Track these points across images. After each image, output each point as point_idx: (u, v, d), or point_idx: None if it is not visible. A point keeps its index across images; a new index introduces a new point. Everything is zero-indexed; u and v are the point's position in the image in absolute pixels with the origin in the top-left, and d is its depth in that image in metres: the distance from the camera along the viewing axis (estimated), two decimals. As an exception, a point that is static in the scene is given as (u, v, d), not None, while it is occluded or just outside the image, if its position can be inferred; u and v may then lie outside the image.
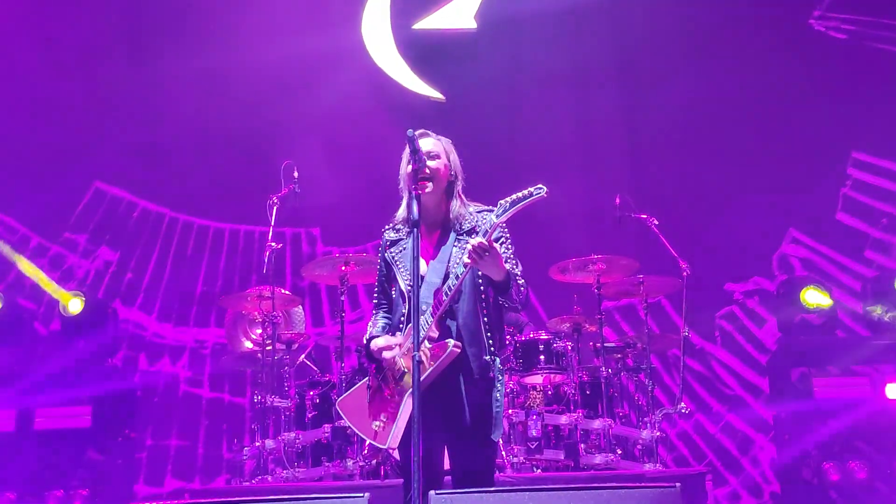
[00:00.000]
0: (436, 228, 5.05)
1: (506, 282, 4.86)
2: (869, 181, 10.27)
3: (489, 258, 4.73)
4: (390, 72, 10.85)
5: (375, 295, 5.30)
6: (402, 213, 5.21)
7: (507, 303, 4.98)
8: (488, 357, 4.94)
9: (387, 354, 4.98)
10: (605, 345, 8.36)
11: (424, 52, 10.85)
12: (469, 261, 4.74)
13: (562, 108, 10.58)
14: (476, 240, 4.73)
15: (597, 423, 7.97)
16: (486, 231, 4.78)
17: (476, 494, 4.51)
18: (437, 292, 4.89)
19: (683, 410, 8.30)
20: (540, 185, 4.73)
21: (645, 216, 8.58)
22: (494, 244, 4.79)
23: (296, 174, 8.31)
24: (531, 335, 8.42)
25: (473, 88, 10.61)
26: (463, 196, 5.17)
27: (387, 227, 5.28)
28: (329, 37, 10.59)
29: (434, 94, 10.76)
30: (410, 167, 4.92)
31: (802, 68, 10.41)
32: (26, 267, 10.03)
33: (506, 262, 4.89)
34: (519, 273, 4.96)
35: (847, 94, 10.20)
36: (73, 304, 9.55)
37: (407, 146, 4.99)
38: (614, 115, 10.68)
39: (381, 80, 10.83)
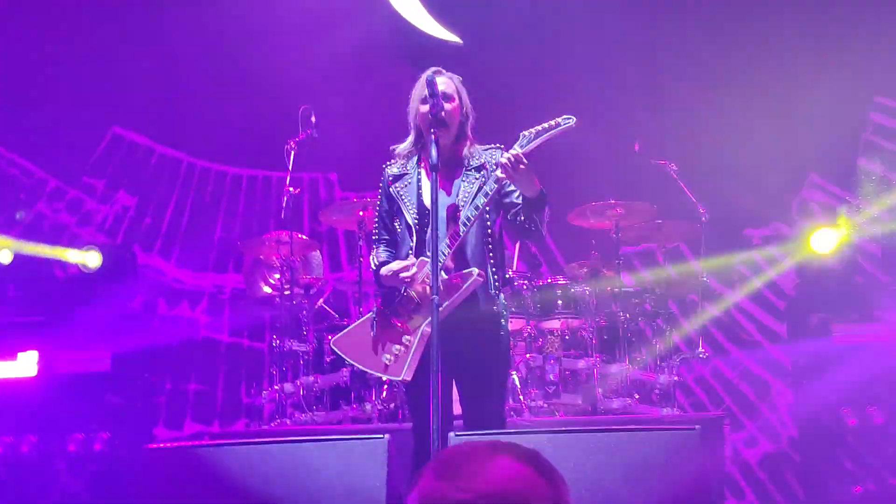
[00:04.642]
0: (443, 165, 5.02)
1: (540, 198, 4.84)
2: (891, 126, 10.17)
3: (524, 172, 4.71)
4: (408, 15, 10.77)
5: (376, 230, 5.29)
6: (406, 146, 5.20)
7: (538, 224, 4.95)
8: (493, 291, 4.96)
9: (405, 274, 4.95)
10: (623, 290, 8.35)
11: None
12: (503, 175, 4.72)
13: (582, 51, 10.47)
14: (511, 152, 4.71)
15: (614, 368, 7.98)
16: (522, 144, 4.75)
17: (496, 436, 4.53)
18: (452, 223, 4.87)
19: (701, 355, 8.30)
20: (568, 116, 4.71)
21: (664, 162, 8.54)
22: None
23: (313, 119, 8.29)
24: (549, 280, 8.43)
25: (492, 31, 10.53)
26: (472, 134, 5.17)
27: (389, 162, 5.28)
28: (346, -20, 10.52)
29: (452, 37, 10.68)
30: (427, 109, 4.90)
31: (823, 11, 10.28)
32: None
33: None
34: None
35: (870, 38, 10.07)
36: (91, 259, 9.51)
37: (420, 84, 5.01)
38: (635, 58, 10.58)
39: (399, 24, 10.74)
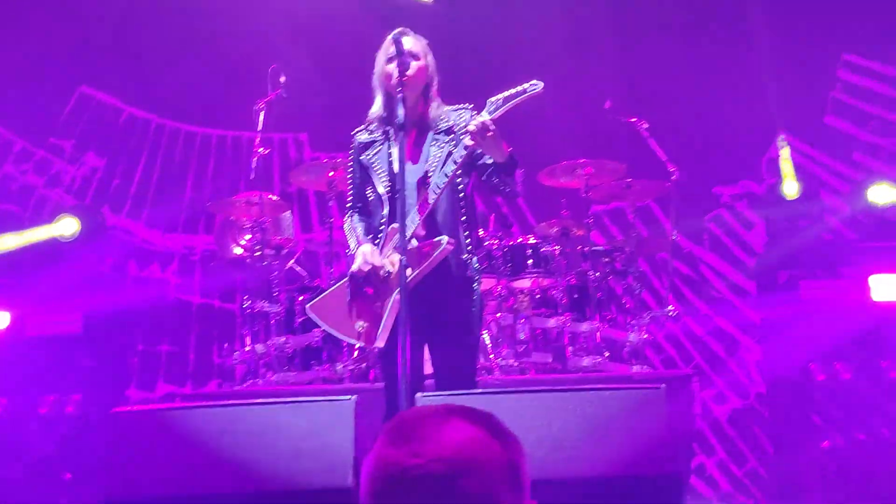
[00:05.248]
0: (412, 129, 5.02)
1: (510, 162, 4.85)
2: (859, 84, 10.19)
3: (491, 139, 4.72)
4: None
5: (350, 199, 5.28)
6: (375, 112, 5.19)
7: (512, 186, 4.97)
8: (466, 255, 4.97)
9: (354, 267, 4.98)
10: (594, 248, 8.37)
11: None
12: (472, 142, 4.72)
13: (551, 9, 10.43)
14: (478, 119, 4.71)
15: (584, 326, 8.01)
16: (490, 111, 4.75)
17: (463, 396, 4.56)
18: (423, 190, 4.88)
19: (671, 313, 8.34)
20: (535, 81, 4.71)
21: (634, 120, 8.53)
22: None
23: (282, 79, 8.25)
24: (519, 239, 8.45)
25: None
26: (437, 96, 5.16)
27: (358, 129, 5.26)
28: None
29: (421, -4, 10.61)
30: (394, 69, 4.88)
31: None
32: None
33: None
34: None
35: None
36: (67, 227, 9.42)
37: (386, 44, 5.00)
38: (605, 16, 10.55)
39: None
